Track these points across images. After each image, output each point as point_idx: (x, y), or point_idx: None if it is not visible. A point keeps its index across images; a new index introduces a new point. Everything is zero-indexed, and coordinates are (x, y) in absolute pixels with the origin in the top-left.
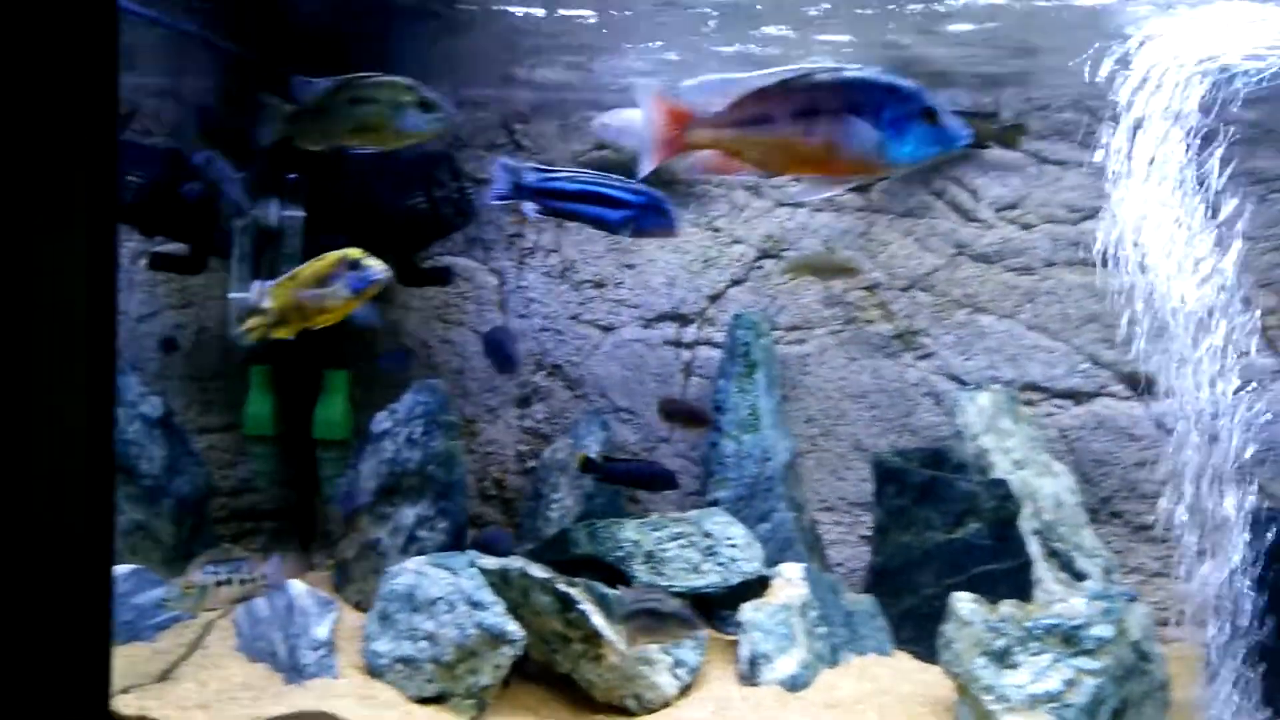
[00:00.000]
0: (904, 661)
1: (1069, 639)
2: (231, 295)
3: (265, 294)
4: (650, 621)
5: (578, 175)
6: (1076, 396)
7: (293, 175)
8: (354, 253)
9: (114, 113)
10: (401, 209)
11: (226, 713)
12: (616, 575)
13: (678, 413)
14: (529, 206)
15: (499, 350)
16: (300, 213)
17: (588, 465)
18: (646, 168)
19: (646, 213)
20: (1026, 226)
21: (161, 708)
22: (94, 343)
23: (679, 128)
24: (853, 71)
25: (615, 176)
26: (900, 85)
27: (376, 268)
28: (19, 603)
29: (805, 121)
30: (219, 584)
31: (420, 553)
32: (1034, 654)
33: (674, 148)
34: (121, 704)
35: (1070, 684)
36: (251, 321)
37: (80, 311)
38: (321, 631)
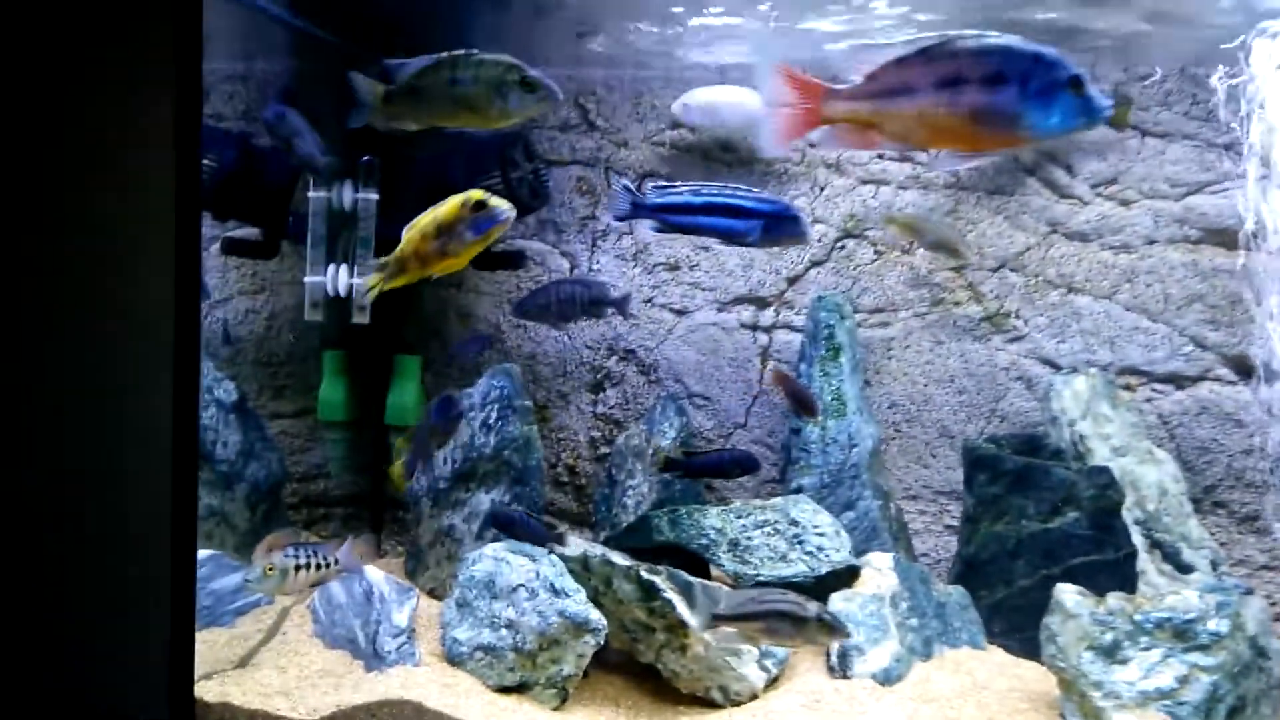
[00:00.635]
0: (998, 655)
1: (1181, 633)
2: (307, 280)
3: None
4: (781, 625)
5: (701, 188)
6: (1178, 381)
7: (366, 157)
8: (476, 194)
9: (199, 98)
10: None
11: (308, 700)
12: (699, 564)
13: (794, 393)
14: (646, 225)
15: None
16: (375, 195)
17: (669, 464)
18: (777, 147)
19: (777, 221)
20: (1125, 203)
21: (243, 694)
22: (181, 330)
23: (812, 102)
24: (995, 39)
25: (739, 185)
26: (1045, 53)
27: (502, 208)
28: (107, 588)
29: (948, 91)
30: (298, 568)
31: (496, 539)
32: (1144, 649)
33: (808, 123)
34: (204, 690)
35: (1183, 681)
36: (371, 279)
37: (167, 299)
38: (401, 619)
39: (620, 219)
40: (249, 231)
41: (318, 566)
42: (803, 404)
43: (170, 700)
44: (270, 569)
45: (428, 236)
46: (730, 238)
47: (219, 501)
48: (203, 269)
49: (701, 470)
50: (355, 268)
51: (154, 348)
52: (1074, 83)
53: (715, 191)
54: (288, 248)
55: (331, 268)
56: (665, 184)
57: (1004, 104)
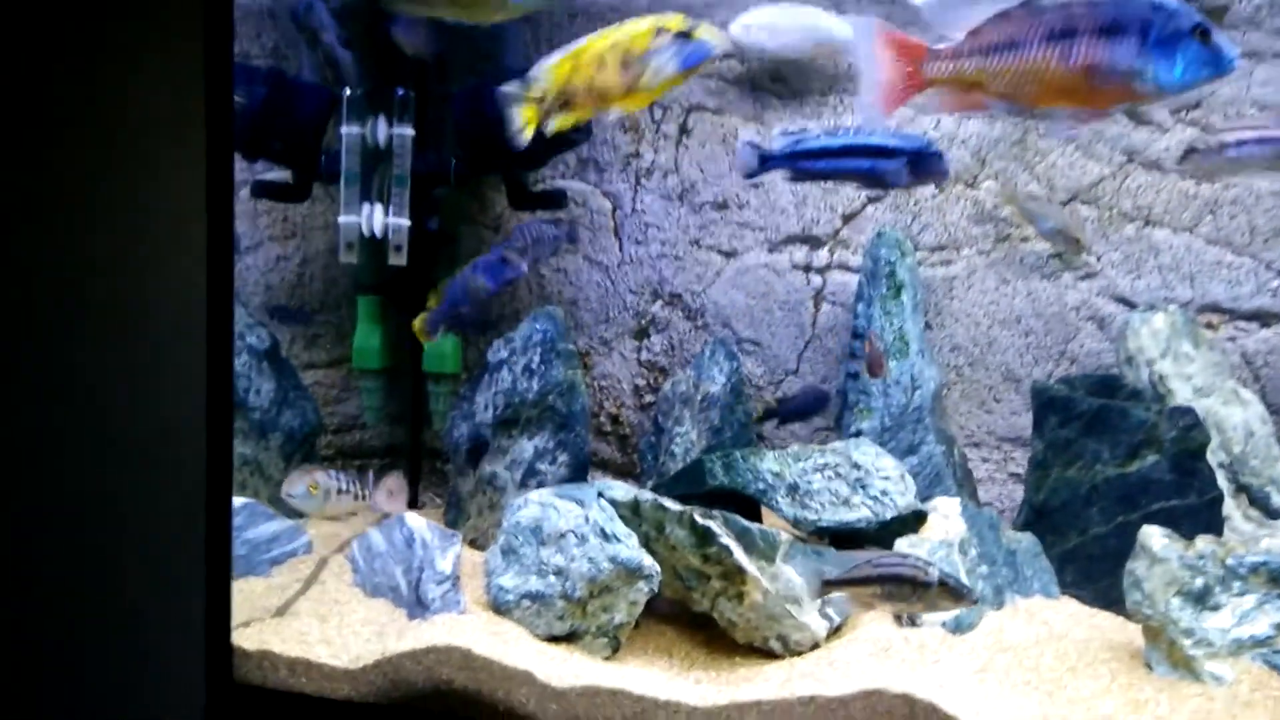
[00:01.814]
0: (1072, 605)
1: (1278, 578)
2: (341, 219)
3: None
4: (900, 590)
5: (834, 131)
6: (1264, 318)
7: (401, 91)
8: (675, 21)
9: (230, 33)
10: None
11: (351, 648)
12: (753, 510)
13: (875, 355)
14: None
15: None
16: (410, 130)
17: (768, 413)
18: (881, 116)
19: (921, 159)
20: (1209, 129)
21: (283, 642)
22: (214, 273)
23: (913, 64)
24: None
25: (868, 127)
26: (1165, 0)
27: (711, 40)
28: (143, 536)
29: (1060, 44)
30: (340, 491)
31: (540, 487)
32: (1237, 594)
33: (910, 87)
34: (242, 638)
35: None
36: (524, 112)
37: (199, 241)
38: (445, 565)
39: (750, 176)
40: (279, 174)
41: (356, 496)
42: (876, 364)
43: (208, 648)
44: (314, 486)
45: (609, 67)
46: (873, 180)
47: (253, 450)
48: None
49: (800, 410)
50: (390, 207)
51: (187, 294)
52: (1199, 31)
53: (851, 133)
54: (319, 191)
55: (366, 207)
56: (793, 131)
57: (1121, 57)
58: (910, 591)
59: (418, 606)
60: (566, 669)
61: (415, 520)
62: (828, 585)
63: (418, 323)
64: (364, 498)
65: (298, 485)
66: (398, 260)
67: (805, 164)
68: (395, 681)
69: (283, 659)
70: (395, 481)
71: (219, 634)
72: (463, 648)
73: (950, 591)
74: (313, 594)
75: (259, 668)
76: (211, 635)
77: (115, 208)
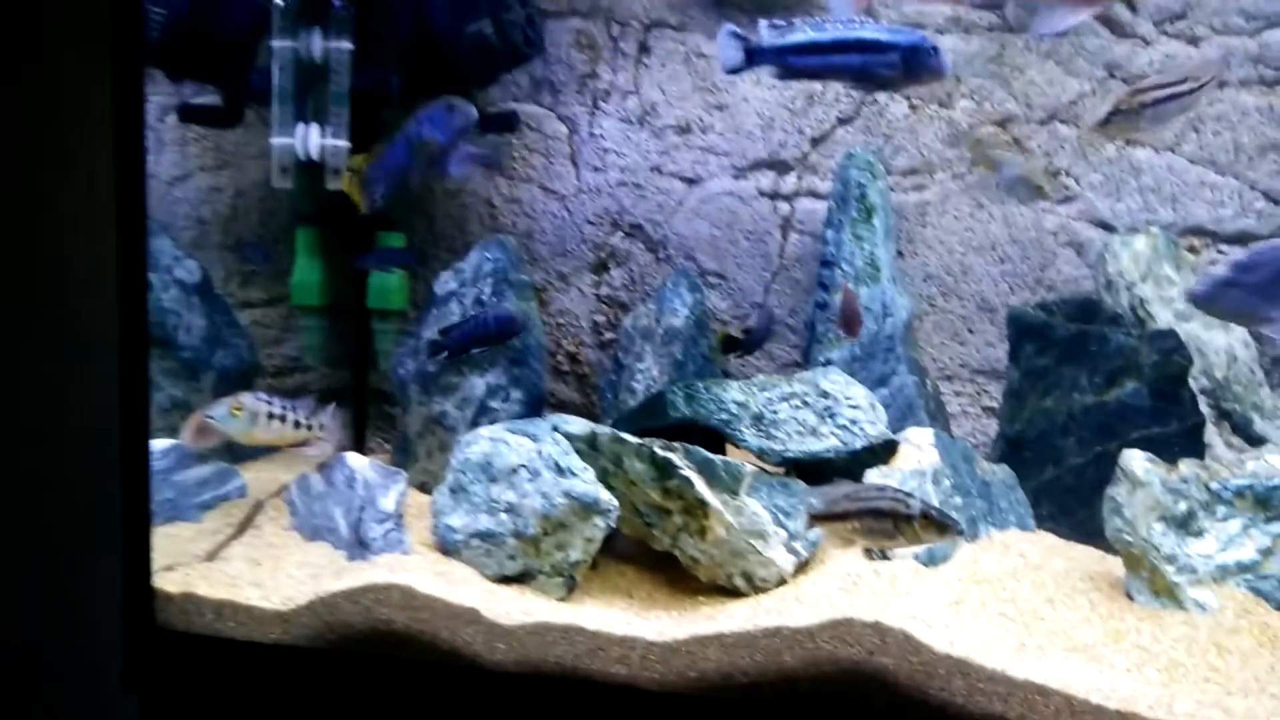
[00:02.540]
0: (1049, 538)
1: (1264, 501)
2: (273, 141)
3: None
4: (881, 524)
5: (823, 24)
6: (1248, 240)
7: (338, 2)
8: None
9: None
10: (463, 37)
11: (283, 590)
12: (717, 443)
13: (851, 311)
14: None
15: None
16: (348, 44)
17: (730, 343)
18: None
19: (917, 55)
20: (1194, 40)
21: (210, 586)
22: (124, 202)
23: None
24: None
25: (860, 17)
26: None
27: None
28: (56, 478)
29: None
30: (271, 416)
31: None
32: (1222, 520)
33: None
34: (165, 580)
35: (1267, 553)
36: None
37: (105, 161)
38: (388, 503)
39: (734, 71)
40: (210, 98)
41: (297, 424)
42: (851, 321)
43: (127, 590)
44: (238, 408)
45: None
46: (866, 77)
47: (183, 392)
48: (147, 134)
49: (763, 338)
50: (328, 128)
51: (95, 215)
52: None
53: (843, 26)
54: (254, 118)
55: (301, 127)
56: (781, 23)
57: None
58: (891, 525)
59: (358, 547)
60: (516, 608)
61: (356, 459)
62: (812, 520)
63: (346, 181)
64: (311, 427)
65: (218, 407)
66: (336, 184)
67: (794, 59)
68: (330, 623)
69: (208, 602)
70: (333, 414)
71: (138, 577)
72: (403, 585)
73: (934, 524)
74: (247, 539)
75: (183, 611)
76: (130, 578)
77: (6, 128)
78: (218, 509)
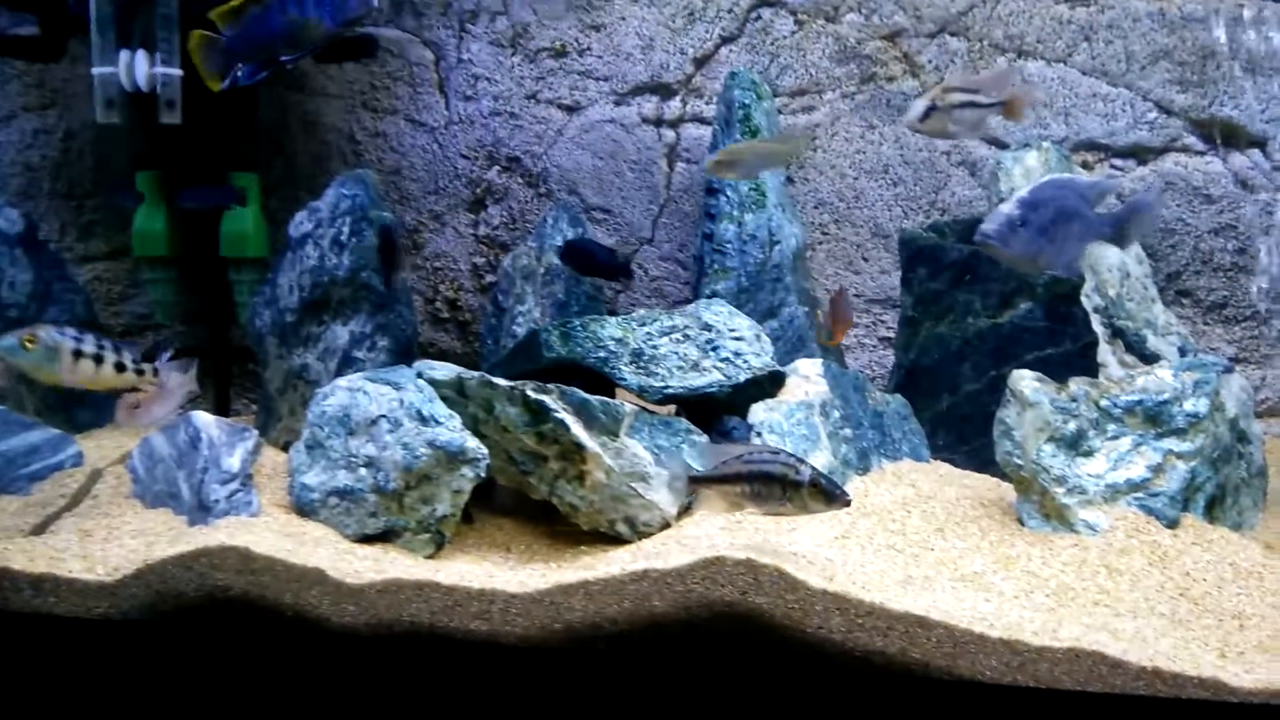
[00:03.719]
0: (944, 468)
1: (1154, 418)
2: (95, 71)
3: None
4: (769, 489)
5: None
6: (1141, 154)
7: None
8: None
9: None
10: None
11: (111, 561)
12: (601, 385)
13: (840, 315)
14: None
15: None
16: None
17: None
18: None
19: None
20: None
21: (29, 560)
22: None
23: None
24: None
25: None
26: None
27: None
28: None
29: None
30: (80, 354)
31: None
32: (1112, 438)
33: None
34: None
35: (1157, 470)
36: None
37: None
38: (233, 462)
39: None
40: (27, 28)
41: (120, 367)
42: (838, 324)
43: None
44: (31, 340)
45: None
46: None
47: None
48: None
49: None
50: (157, 55)
51: None
52: None
53: None
54: (79, 48)
55: (125, 54)
56: None
57: None
58: (780, 491)
59: (199, 511)
60: (371, 568)
61: (203, 418)
62: (695, 482)
63: (194, 42)
64: (143, 372)
65: (7, 338)
66: (171, 118)
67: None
68: (161, 593)
69: (25, 577)
70: (180, 365)
71: None
72: (240, 548)
73: (822, 492)
74: (82, 510)
75: None
76: None
77: None
78: (50, 480)
